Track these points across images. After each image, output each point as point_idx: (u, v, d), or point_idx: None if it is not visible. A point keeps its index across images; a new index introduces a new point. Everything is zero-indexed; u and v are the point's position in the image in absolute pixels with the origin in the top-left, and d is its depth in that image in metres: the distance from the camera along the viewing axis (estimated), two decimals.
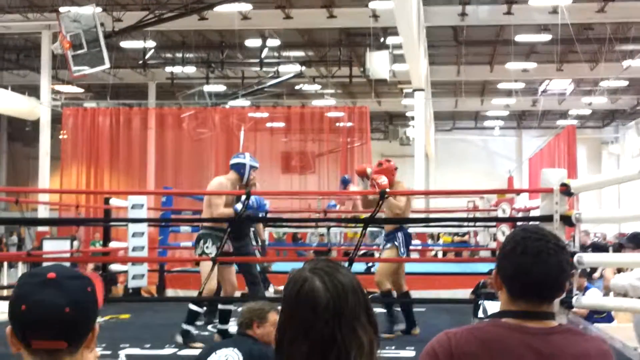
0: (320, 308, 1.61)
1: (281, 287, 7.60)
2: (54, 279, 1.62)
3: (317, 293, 1.62)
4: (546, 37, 21.82)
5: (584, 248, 9.63)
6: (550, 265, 2.00)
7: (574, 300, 5.76)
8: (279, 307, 1.75)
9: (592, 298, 7.61)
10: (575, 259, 5.72)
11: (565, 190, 6.13)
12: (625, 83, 27.82)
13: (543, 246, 2.00)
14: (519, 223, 8.59)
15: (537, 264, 1.99)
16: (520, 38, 22.14)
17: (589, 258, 6.85)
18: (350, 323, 1.62)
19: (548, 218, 6.17)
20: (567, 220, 6.11)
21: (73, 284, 1.63)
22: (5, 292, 9.29)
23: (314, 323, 1.60)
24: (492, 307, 5.49)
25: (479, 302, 6.42)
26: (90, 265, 11.00)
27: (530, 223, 6.77)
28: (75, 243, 11.46)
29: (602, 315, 8.38)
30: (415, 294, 8.10)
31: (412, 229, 14.47)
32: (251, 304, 4.68)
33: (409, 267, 12.14)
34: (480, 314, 6.20)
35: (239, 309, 4.81)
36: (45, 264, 9.31)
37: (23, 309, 1.60)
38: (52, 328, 1.60)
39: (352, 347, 1.60)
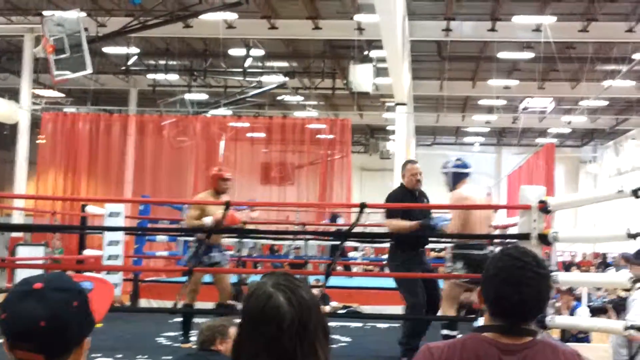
0: (285, 324, 1.62)
1: None
2: (39, 290, 1.58)
3: (282, 309, 1.63)
4: (529, 54, 21.97)
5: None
6: (527, 294, 2.11)
7: (547, 319, 5.75)
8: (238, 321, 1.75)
9: (577, 317, 7.62)
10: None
11: (543, 207, 6.13)
12: (605, 103, 28.05)
13: (523, 275, 2.13)
14: (496, 240, 8.58)
15: (516, 293, 2.11)
16: (503, 55, 22.27)
17: (564, 277, 6.87)
18: (311, 340, 1.64)
19: (525, 236, 6.17)
20: (544, 239, 6.11)
21: (57, 296, 1.59)
22: None
23: (278, 339, 1.61)
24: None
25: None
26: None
27: (513, 243, 6.76)
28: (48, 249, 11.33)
29: (584, 335, 8.37)
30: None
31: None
32: (210, 321, 4.71)
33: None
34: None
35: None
36: (18, 270, 9.20)
37: (3, 317, 1.57)
38: (28, 340, 1.56)
39: None
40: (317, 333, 1.65)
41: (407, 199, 6.98)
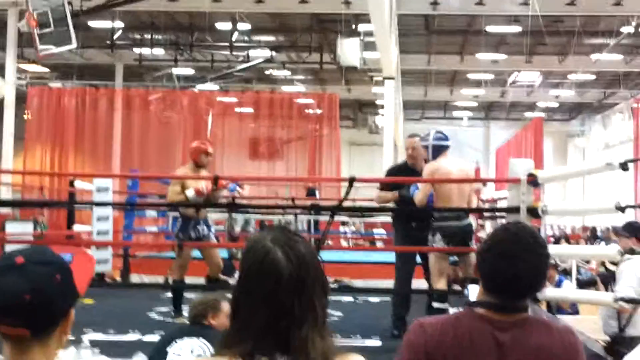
0: (283, 279, 1.62)
1: None
2: (20, 264, 1.57)
3: (281, 264, 1.63)
4: (516, 28, 21.92)
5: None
6: (522, 269, 2.09)
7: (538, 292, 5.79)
8: (229, 296, 1.75)
9: (567, 290, 7.66)
10: None
11: (533, 180, 6.15)
12: (593, 77, 28.09)
13: (518, 250, 2.11)
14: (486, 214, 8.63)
15: (511, 267, 2.09)
16: (490, 29, 22.21)
17: (554, 250, 6.91)
18: (309, 295, 1.64)
19: (515, 209, 6.19)
20: (533, 212, 6.13)
21: (39, 270, 1.58)
22: None
23: (275, 294, 1.62)
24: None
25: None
26: None
27: (503, 216, 6.77)
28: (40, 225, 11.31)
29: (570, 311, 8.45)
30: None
31: (381, 219, 14.59)
32: (202, 296, 4.78)
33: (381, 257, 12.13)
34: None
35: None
36: (7, 246, 9.16)
37: None
38: (11, 314, 1.55)
39: (307, 317, 1.63)
40: (315, 288, 1.66)
41: (402, 173, 7.01)
